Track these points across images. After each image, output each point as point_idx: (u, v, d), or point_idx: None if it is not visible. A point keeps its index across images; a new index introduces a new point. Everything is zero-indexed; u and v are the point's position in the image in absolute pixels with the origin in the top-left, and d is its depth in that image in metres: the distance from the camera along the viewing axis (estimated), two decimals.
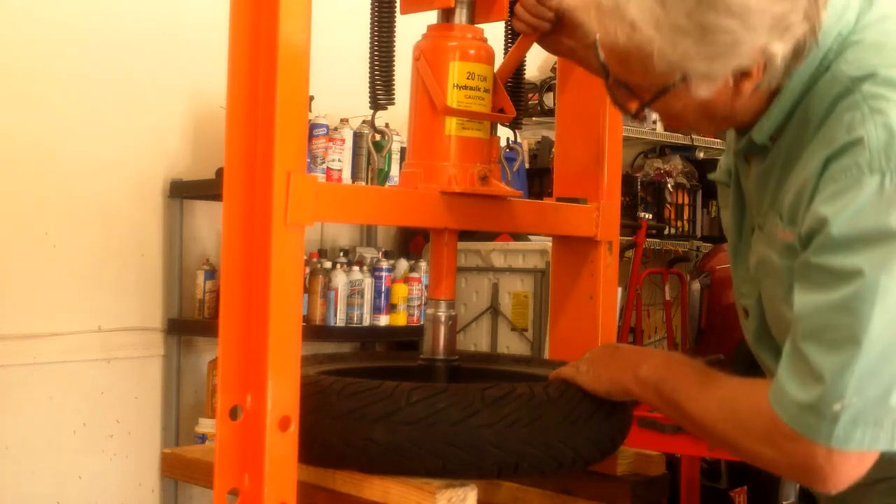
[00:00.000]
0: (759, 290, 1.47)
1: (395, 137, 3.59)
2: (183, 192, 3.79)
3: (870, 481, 1.32)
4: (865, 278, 1.20)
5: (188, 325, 3.82)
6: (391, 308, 3.90)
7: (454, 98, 1.66)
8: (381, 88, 1.68)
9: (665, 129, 5.02)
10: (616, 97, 1.40)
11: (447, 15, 1.71)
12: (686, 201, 5.32)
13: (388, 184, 3.68)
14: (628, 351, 1.58)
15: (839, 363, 1.22)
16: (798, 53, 1.28)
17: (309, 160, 3.48)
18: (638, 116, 1.42)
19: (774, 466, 1.34)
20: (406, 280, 3.97)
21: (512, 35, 1.86)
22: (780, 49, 1.25)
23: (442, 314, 1.73)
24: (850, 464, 1.26)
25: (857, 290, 1.21)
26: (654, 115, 5.01)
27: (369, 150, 3.72)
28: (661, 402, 1.47)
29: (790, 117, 1.35)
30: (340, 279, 3.79)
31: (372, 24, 1.69)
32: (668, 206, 5.17)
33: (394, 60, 1.69)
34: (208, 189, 3.66)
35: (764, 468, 1.36)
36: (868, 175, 1.21)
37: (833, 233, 1.22)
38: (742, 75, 1.27)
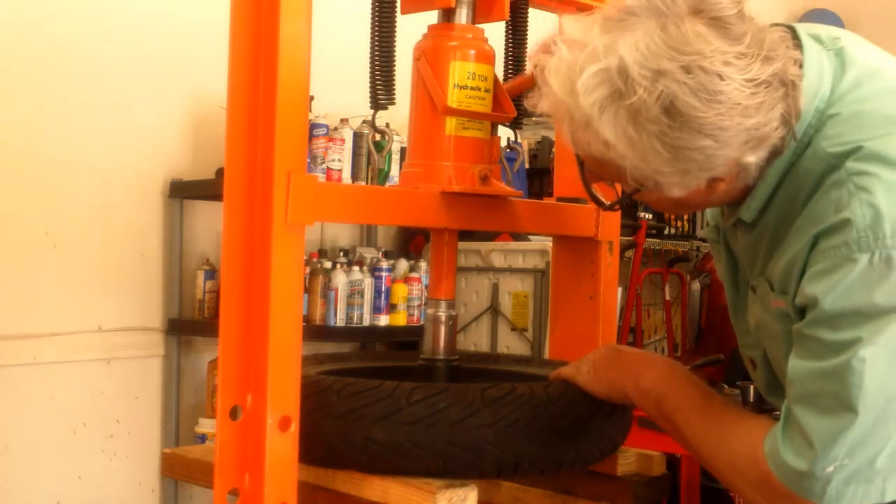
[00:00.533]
0: (763, 346, 1.50)
1: (395, 137, 3.59)
2: (183, 192, 3.78)
3: None
4: (857, 349, 1.23)
5: (188, 325, 3.82)
6: (391, 308, 3.90)
7: (454, 98, 1.66)
8: (381, 88, 1.68)
9: None
10: (590, 188, 1.42)
11: (448, 15, 1.71)
12: None
13: (388, 184, 3.68)
14: (630, 356, 1.57)
15: (830, 430, 1.25)
16: (775, 154, 1.30)
17: (309, 160, 3.48)
18: (613, 209, 1.44)
19: None
20: (406, 280, 3.97)
21: (513, 35, 1.86)
22: (755, 158, 1.26)
23: (442, 314, 1.73)
24: None
25: (848, 360, 1.23)
26: None
27: (369, 150, 3.72)
28: (659, 416, 1.48)
29: (775, 193, 1.36)
30: (340, 279, 3.79)
31: (372, 23, 1.69)
32: None
33: (394, 60, 1.69)
34: (208, 189, 3.66)
35: None
36: (857, 253, 1.23)
37: (825, 308, 1.25)
38: (715, 181, 1.29)
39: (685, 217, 5.28)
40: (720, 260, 1.58)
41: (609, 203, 1.44)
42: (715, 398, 1.44)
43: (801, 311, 1.30)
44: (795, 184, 1.33)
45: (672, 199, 1.32)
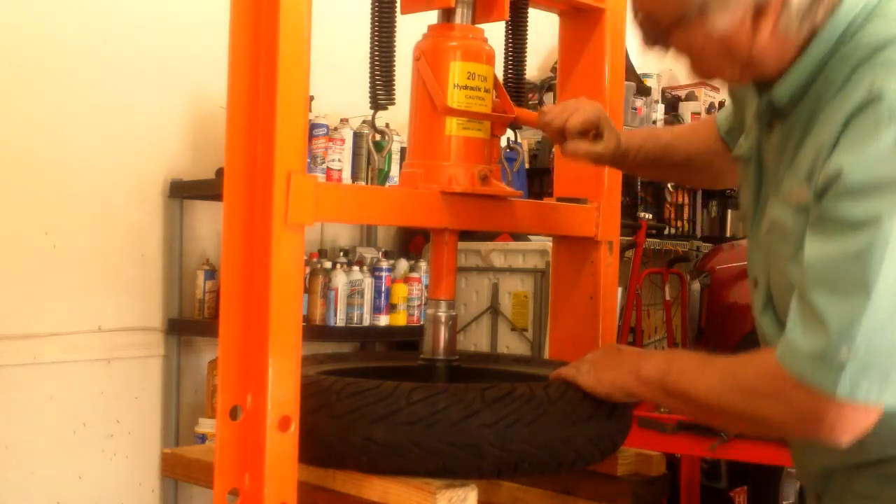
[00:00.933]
0: (769, 258, 1.47)
1: (395, 137, 3.59)
2: (183, 192, 3.78)
3: (864, 463, 1.34)
4: (878, 228, 1.21)
5: (188, 325, 3.82)
6: (391, 308, 3.90)
7: (455, 98, 1.66)
8: (381, 88, 1.68)
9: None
10: (643, 31, 1.44)
11: (448, 15, 1.71)
12: (686, 201, 5.32)
13: (388, 184, 3.68)
14: (630, 353, 1.58)
15: (848, 311, 1.22)
16: (815, 2, 1.32)
17: (309, 160, 3.48)
18: (664, 43, 1.43)
19: (783, 422, 1.34)
20: (406, 280, 3.97)
21: (512, 35, 1.86)
22: None
23: (442, 314, 1.73)
24: (857, 415, 1.25)
25: (869, 239, 1.21)
26: (655, 115, 5.01)
27: (369, 150, 3.72)
28: (667, 396, 1.47)
29: (811, 83, 1.37)
30: (340, 279, 3.79)
31: (372, 24, 1.69)
32: (668, 206, 5.17)
33: (394, 60, 1.69)
34: (208, 189, 3.66)
35: (774, 429, 1.36)
36: (886, 126, 1.22)
37: (849, 180, 1.23)
38: (759, 12, 1.31)
39: (685, 217, 5.29)
40: (747, 182, 1.57)
41: (655, 39, 1.44)
42: (716, 356, 1.44)
43: (823, 194, 1.29)
44: (832, 74, 1.34)
45: (717, 41, 1.34)
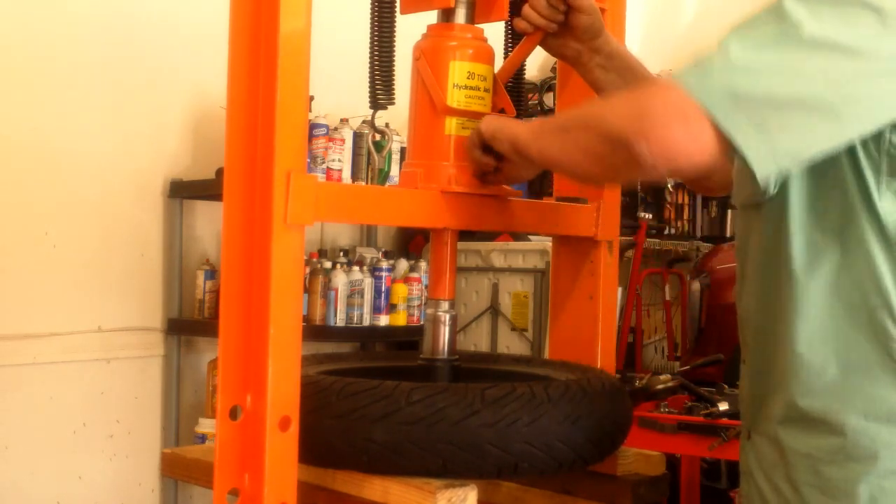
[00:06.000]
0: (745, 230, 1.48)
1: (395, 137, 3.59)
2: (183, 192, 3.79)
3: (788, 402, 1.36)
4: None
5: (188, 325, 3.82)
6: (391, 308, 3.90)
7: (454, 98, 1.66)
8: (381, 88, 1.68)
9: None
10: None
11: (447, 15, 1.72)
12: (686, 201, 5.32)
13: (388, 184, 3.68)
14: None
15: (741, 35, 1.24)
16: None
17: (309, 160, 3.48)
18: None
19: (657, 114, 1.27)
20: (406, 280, 3.97)
21: (512, 35, 1.86)
22: None
23: (442, 314, 1.73)
24: (705, 132, 1.22)
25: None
26: None
27: (369, 150, 3.72)
28: (562, 133, 1.44)
29: None
30: (340, 279, 3.79)
31: (372, 23, 1.69)
32: (668, 206, 5.17)
33: (394, 60, 1.70)
34: (208, 189, 3.66)
35: (650, 124, 1.26)
36: None
37: None
38: None
39: (685, 217, 5.28)
40: None
41: None
42: None
43: None
44: None
45: None
